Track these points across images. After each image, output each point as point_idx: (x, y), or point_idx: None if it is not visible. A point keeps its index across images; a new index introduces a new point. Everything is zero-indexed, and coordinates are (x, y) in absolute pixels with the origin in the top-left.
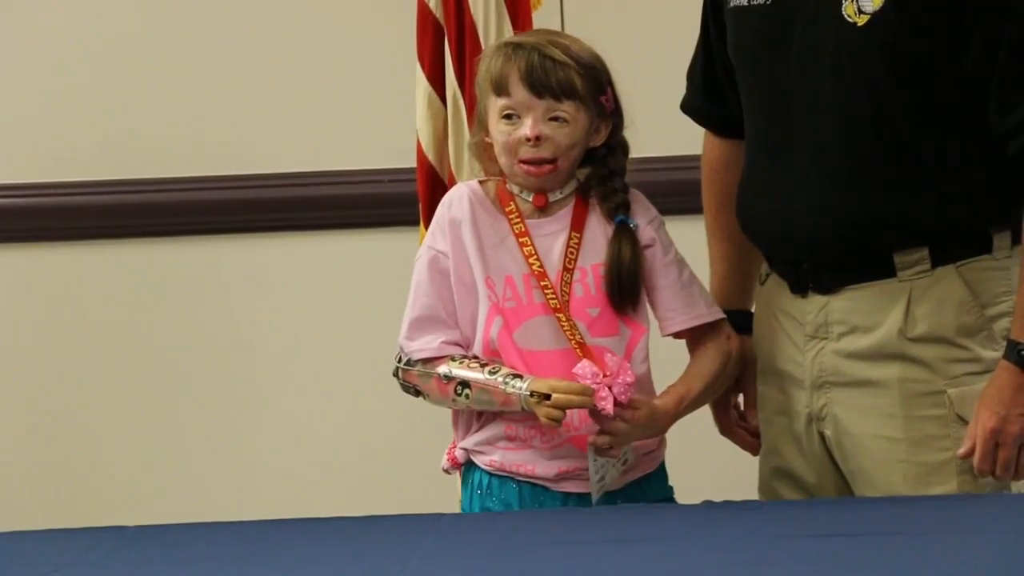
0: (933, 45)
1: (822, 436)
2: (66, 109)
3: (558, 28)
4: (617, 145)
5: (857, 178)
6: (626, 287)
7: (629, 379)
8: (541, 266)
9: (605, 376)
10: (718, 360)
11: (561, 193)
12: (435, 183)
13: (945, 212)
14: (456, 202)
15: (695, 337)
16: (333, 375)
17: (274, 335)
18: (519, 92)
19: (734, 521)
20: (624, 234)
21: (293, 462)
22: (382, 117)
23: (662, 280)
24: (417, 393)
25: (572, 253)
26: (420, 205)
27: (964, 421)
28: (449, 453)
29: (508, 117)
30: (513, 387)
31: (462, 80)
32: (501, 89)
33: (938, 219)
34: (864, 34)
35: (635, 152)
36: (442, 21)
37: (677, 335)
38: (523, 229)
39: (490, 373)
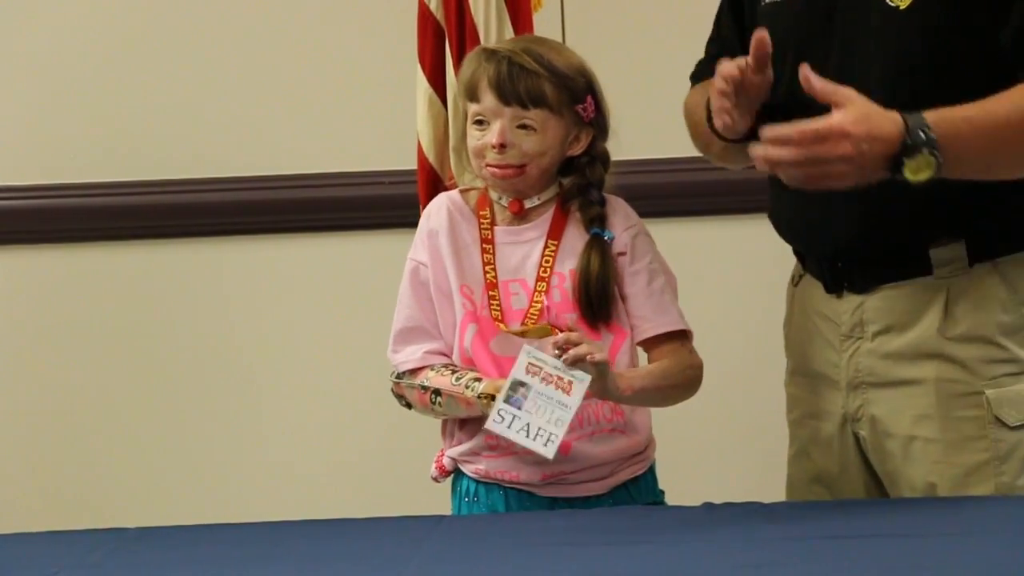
0: (974, 26)
1: (856, 438)
2: (67, 111)
3: (558, 30)
4: (597, 156)
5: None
6: (595, 299)
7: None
8: (495, 276)
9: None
10: (677, 362)
11: (539, 199)
12: (436, 185)
13: (982, 203)
14: (435, 213)
15: (656, 346)
16: (333, 377)
17: (274, 337)
18: (488, 98)
19: (734, 523)
20: (595, 246)
21: (294, 464)
22: (383, 119)
23: (630, 288)
24: (409, 406)
25: (548, 261)
26: (421, 207)
27: (1002, 422)
28: (437, 462)
29: (479, 123)
30: (471, 390)
31: None
32: (472, 95)
33: (975, 210)
34: (906, 17)
35: (633, 154)
36: (443, 23)
37: (642, 346)
38: (489, 236)
39: (455, 380)
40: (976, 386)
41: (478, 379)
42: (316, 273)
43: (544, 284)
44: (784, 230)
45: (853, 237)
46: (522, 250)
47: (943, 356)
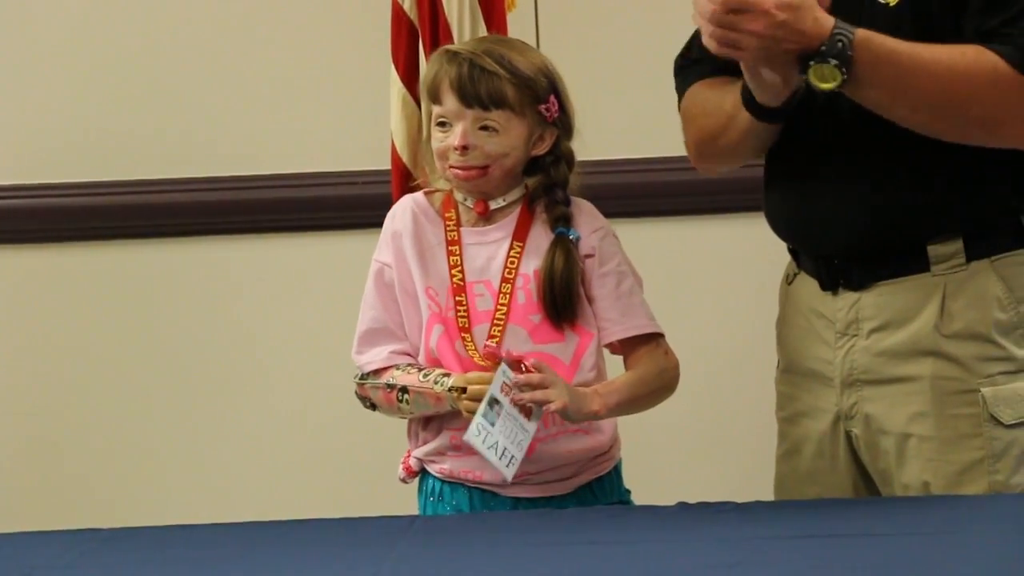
0: (965, 19)
1: (849, 437)
2: (56, 112)
3: (532, 30)
4: (561, 155)
5: (890, 166)
6: (559, 299)
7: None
8: (462, 279)
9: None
10: (652, 367)
11: (504, 200)
12: (409, 185)
13: (980, 200)
14: (399, 214)
15: (631, 350)
16: (305, 378)
17: (247, 338)
18: (450, 100)
19: (709, 522)
20: (560, 246)
21: (268, 464)
22: (356, 119)
23: (598, 290)
24: (373, 407)
25: (513, 263)
26: None
27: (997, 420)
28: (404, 463)
29: (441, 124)
30: (441, 385)
31: None
32: (435, 97)
33: (972, 207)
34: (896, 14)
35: (610, 154)
36: (416, 23)
37: (615, 350)
38: (455, 238)
39: (423, 376)
40: (972, 384)
41: (446, 374)
42: (289, 274)
43: (509, 285)
44: (780, 228)
45: (851, 234)
46: (487, 251)
47: (939, 353)
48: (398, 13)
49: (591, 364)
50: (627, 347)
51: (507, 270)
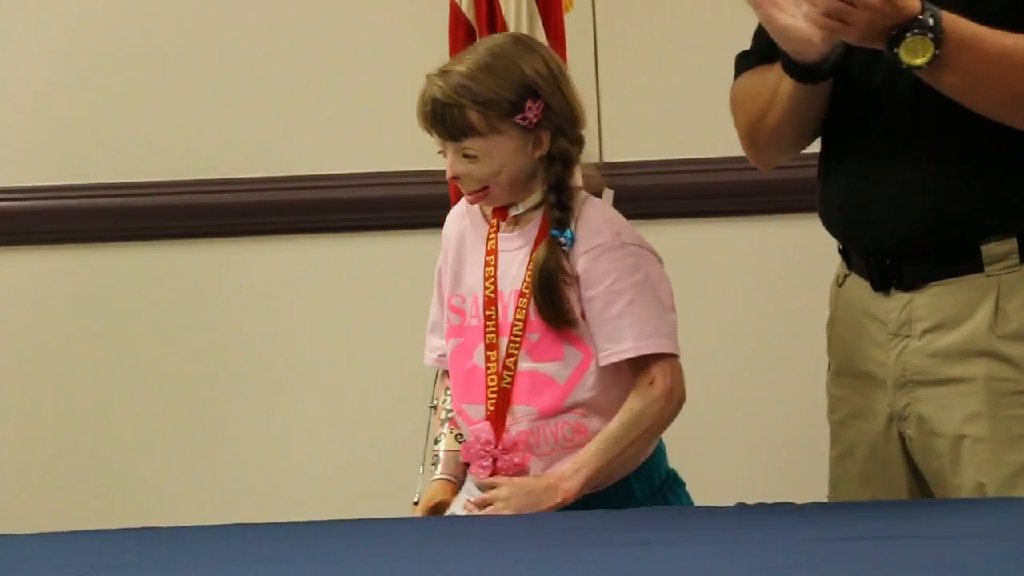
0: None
1: (902, 438)
2: (86, 112)
3: (590, 31)
4: (557, 155)
5: (944, 165)
6: (540, 301)
7: (516, 460)
8: (494, 290)
9: (497, 446)
10: (632, 410)
11: (522, 208)
12: None
13: None
14: (452, 220)
15: (632, 374)
16: (363, 377)
17: (304, 338)
18: (432, 134)
19: (767, 523)
20: (546, 246)
21: (320, 465)
22: (415, 119)
23: (587, 314)
24: None
25: (530, 274)
26: (451, 207)
27: None
28: None
29: (441, 152)
30: (431, 470)
31: None
32: (425, 128)
33: None
34: (954, 6)
35: (665, 154)
36: (474, 23)
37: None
38: (494, 247)
39: (435, 441)
40: None
41: (435, 462)
42: (347, 274)
43: (526, 300)
44: (833, 224)
45: (905, 232)
46: (507, 259)
47: (993, 354)
48: (455, 13)
49: (591, 383)
50: (629, 367)
51: (524, 284)
